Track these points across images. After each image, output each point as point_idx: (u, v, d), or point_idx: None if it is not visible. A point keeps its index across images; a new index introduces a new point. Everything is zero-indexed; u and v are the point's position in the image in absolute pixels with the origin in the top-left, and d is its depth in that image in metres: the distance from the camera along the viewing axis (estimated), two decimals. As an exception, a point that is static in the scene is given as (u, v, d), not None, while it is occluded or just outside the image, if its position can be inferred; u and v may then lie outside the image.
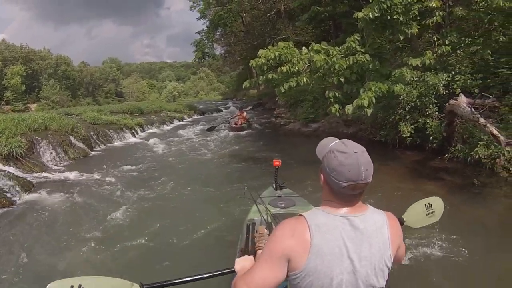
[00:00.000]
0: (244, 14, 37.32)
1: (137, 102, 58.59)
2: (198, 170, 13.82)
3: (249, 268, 2.47)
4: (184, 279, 3.47)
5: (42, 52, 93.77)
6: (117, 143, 21.71)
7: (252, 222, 4.82)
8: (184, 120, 35.14)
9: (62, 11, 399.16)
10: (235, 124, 24.66)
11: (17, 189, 11.05)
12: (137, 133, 25.17)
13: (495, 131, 9.44)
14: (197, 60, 47.24)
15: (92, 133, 20.29)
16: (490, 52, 12.67)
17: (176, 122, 33.03)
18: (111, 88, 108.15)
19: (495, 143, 9.66)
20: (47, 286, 2.80)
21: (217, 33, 43.24)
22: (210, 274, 3.32)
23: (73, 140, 17.83)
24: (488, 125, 9.67)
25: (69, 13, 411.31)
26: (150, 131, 26.96)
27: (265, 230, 3.70)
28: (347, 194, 2.14)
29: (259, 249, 3.45)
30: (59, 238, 7.82)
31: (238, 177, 12.25)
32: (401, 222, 3.43)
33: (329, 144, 2.24)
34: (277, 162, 6.52)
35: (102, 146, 20.21)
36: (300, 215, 2.21)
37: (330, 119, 19.01)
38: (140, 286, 3.43)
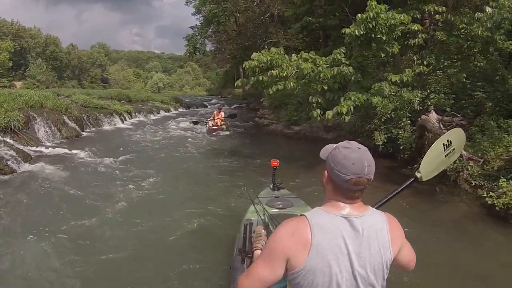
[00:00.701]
0: (238, 15, 37.94)
1: (123, 89, 58.00)
2: (187, 165, 13.82)
3: None
4: None
5: (32, 30, 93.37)
6: (106, 127, 22.60)
7: (249, 222, 4.73)
8: (170, 112, 35.71)
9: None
10: (213, 125, 22.59)
11: (18, 159, 11.97)
12: (125, 119, 25.92)
13: None
14: (188, 54, 48.18)
15: (84, 115, 21.05)
16: (465, 76, 13.59)
17: (162, 113, 33.67)
18: (97, 73, 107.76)
19: (460, 158, 10.38)
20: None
21: (210, 30, 43.97)
22: None
23: (67, 120, 18.66)
24: None
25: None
26: (137, 118, 27.63)
27: (263, 231, 3.87)
28: (349, 190, 2.22)
29: (256, 249, 3.65)
30: (55, 204, 8.70)
31: (223, 173, 12.47)
32: (416, 179, 3.64)
33: (333, 145, 2.37)
34: (275, 163, 6.50)
35: (93, 128, 21.04)
36: (302, 214, 2.31)
37: (311, 124, 19.71)
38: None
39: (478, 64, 14.43)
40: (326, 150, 2.38)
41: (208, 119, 23.98)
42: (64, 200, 8.93)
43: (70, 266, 6.15)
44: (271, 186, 6.68)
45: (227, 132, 22.29)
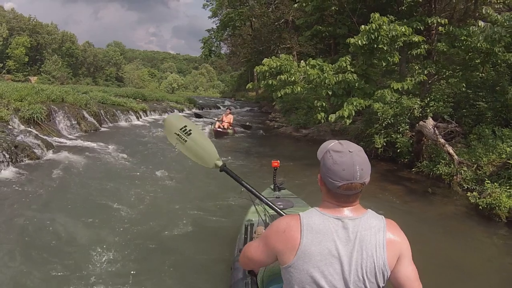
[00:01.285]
0: (254, 19, 38.78)
1: (137, 88, 58.61)
2: (193, 164, 14.07)
3: None
4: (248, 187, 4.31)
5: (49, 27, 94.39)
6: (122, 123, 23.57)
7: (250, 222, 4.99)
8: (183, 112, 36.37)
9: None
10: (219, 127, 20.85)
11: (43, 147, 12.98)
12: (141, 117, 26.90)
13: (451, 151, 11.43)
14: (203, 56, 49.02)
15: (102, 111, 22.05)
16: (464, 85, 14.37)
17: (176, 113, 33.60)
18: (112, 71, 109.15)
19: (458, 165, 11.29)
20: (167, 117, 4.31)
21: (225, 33, 44.77)
22: None
23: (86, 115, 19.66)
24: (446, 145, 11.66)
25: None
26: (152, 116, 28.56)
27: (264, 231, 3.71)
28: (342, 195, 2.19)
29: None
30: (73, 189, 9.62)
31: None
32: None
33: (328, 146, 2.33)
34: (275, 163, 6.46)
35: (110, 124, 22.02)
36: (298, 214, 2.31)
37: (319, 128, 20.77)
38: (222, 164, 4.33)
39: (480, 74, 15.02)
40: (321, 151, 2.37)
41: (216, 119, 22.23)
42: (80, 187, 9.80)
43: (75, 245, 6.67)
44: (272, 187, 6.71)
45: (234, 136, 21.11)
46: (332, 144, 2.28)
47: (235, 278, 4.25)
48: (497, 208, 8.93)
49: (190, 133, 4.50)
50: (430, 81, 15.65)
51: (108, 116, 22.64)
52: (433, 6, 15.77)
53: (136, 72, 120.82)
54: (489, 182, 9.72)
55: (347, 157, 2.16)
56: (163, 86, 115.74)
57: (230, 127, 21.48)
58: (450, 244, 7.60)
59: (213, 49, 46.99)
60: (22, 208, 8.10)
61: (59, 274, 5.77)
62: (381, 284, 2.22)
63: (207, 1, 44.47)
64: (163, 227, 7.74)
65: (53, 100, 18.23)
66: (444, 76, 15.70)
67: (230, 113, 22.41)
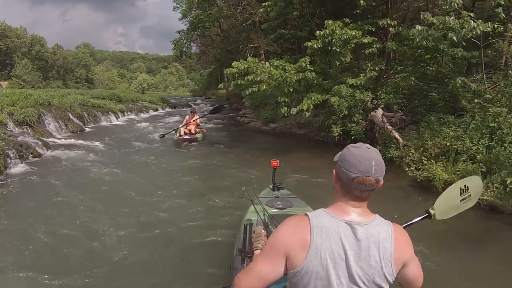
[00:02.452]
0: (222, 21, 40.04)
1: (107, 90, 58.89)
2: (185, 161, 15.06)
3: None
4: None
5: (18, 30, 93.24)
6: (104, 123, 25.25)
7: (249, 222, 4.81)
8: (158, 111, 38.29)
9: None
10: (185, 133, 18.59)
11: (42, 146, 14.79)
12: (119, 117, 28.50)
13: (397, 135, 13.61)
14: (175, 57, 50.58)
15: (84, 113, 23.74)
16: (413, 79, 15.99)
17: (151, 112, 36.28)
18: (82, 73, 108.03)
19: (403, 147, 13.26)
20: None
21: (195, 33, 46.05)
22: None
23: (71, 116, 21.46)
24: (393, 131, 13.87)
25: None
26: (130, 116, 30.10)
27: (263, 231, 4.01)
28: (355, 189, 2.21)
29: (256, 250, 3.78)
30: (76, 181, 11.27)
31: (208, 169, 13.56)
32: (429, 216, 3.63)
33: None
34: (275, 163, 6.53)
35: (92, 124, 23.71)
36: (305, 214, 2.28)
37: (286, 121, 22.50)
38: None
39: (431, 68, 16.74)
40: (339, 153, 2.40)
41: (180, 126, 19.33)
42: (81, 178, 11.53)
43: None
44: (271, 186, 6.82)
45: (202, 141, 18.83)
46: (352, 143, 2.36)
47: (234, 277, 3.66)
48: (433, 180, 10.83)
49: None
50: (385, 76, 17.66)
51: (90, 118, 24.26)
52: (389, 7, 17.26)
53: (106, 73, 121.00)
54: (426, 160, 11.73)
55: (364, 151, 2.24)
56: (133, 87, 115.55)
57: (198, 130, 19.20)
58: (393, 208, 8.71)
59: (184, 49, 48.44)
60: (35, 196, 9.80)
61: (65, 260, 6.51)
62: None
63: (177, 4, 45.99)
64: (162, 227, 7.99)
65: (41, 104, 19.87)
66: (396, 71, 17.85)
67: (195, 113, 19.47)
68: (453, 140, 11.84)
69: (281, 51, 28.42)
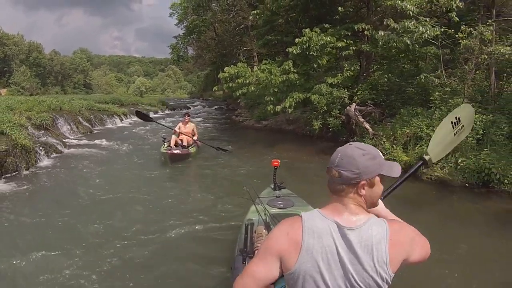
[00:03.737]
0: (217, 25, 42.09)
1: (105, 94, 61.85)
2: (195, 162, 15.63)
3: None
4: None
5: (15, 37, 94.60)
6: (109, 126, 27.87)
7: (250, 222, 4.83)
8: (158, 113, 40.83)
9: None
10: (176, 145, 15.51)
11: (61, 145, 17.27)
12: (123, 120, 31.10)
13: (367, 126, 16.22)
14: (172, 61, 52.61)
15: (92, 116, 26.30)
16: (387, 76, 18.33)
17: (152, 114, 37.85)
18: (80, 79, 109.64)
19: (375, 137, 15.56)
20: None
21: (191, 38, 48.01)
22: None
23: (81, 120, 24.02)
24: (364, 123, 16.48)
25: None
26: (133, 119, 32.12)
27: (264, 231, 4.13)
28: (328, 181, 2.27)
29: (257, 249, 3.87)
30: (92, 172, 13.26)
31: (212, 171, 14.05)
32: (425, 163, 3.57)
33: None
34: (275, 162, 6.55)
35: (100, 127, 26.31)
36: (300, 215, 2.27)
37: (276, 118, 25.18)
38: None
39: (405, 67, 18.76)
40: None
41: (172, 134, 16.21)
42: (94, 170, 13.56)
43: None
44: (272, 186, 6.83)
45: (194, 152, 15.87)
46: None
47: (235, 277, 3.35)
48: (396, 162, 13.16)
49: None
50: (365, 74, 19.89)
51: (97, 120, 26.76)
52: (370, 11, 19.48)
53: (104, 78, 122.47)
54: (395, 146, 13.99)
55: (343, 147, 2.27)
56: (131, 90, 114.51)
57: (192, 142, 16.02)
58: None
59: (181, 54, 50.38)
60: (61, 184, 12.03)
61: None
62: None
63: (173, 10, 47.57)
64: (162, 226, 8.15)
65: (53, 109, 22.26)
66: (373, 70, 20.16)
67: (189, 121, 16.45)
68: (418, 129, 13.82)
69: (273, 53, 29.97)
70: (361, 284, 2.14)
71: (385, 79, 18.67)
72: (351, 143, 2.30)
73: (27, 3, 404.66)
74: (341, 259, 2.13)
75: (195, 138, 16.43)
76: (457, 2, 14.01)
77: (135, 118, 32.54)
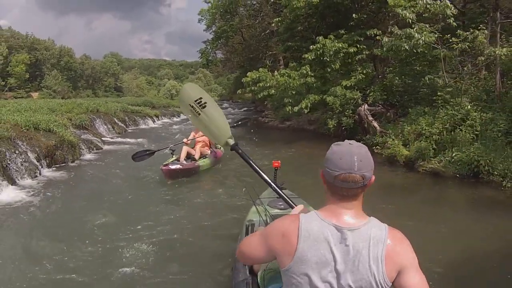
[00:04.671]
0: (244, 30, 43.54)
1: (136, 97, 63.85)
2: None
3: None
4: (258, 169, 4.49)
5: (46, 42, 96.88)
6: (142, 126, 30.40)
7: (251, 223, 5.03)
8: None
9: (62, 0, 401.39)
10: (187, 158, 13.43)
11: (100, 142, 19.58)
12: (155, 121, 33.58)
13: (375, 124, 18.05)
14: (202, 65, 54.34)
15: (126, 118, 28.74)
16: (397, 78, 19.79)
17: (182, 116, 40.35)
18: (111, 82, 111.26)
19: (386, 135, 16.88)
20: (184, 85, 4.66)
21: (220, 42, 49.48)
22: None
23: (116, 121, 26.47)
24: (372, 121, 18.35)
25: (69, 3, 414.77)
26: (164, 120, 35.17)
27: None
28: (340, 188, 2.22)
29: None
30: (127, 166, 14.17)
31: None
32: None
33: None
34: (276, 163, 6.47)
35: (133, 127, 28.80)
36: (298, 215, 2.34)
37: (299, 119, 27.22)
38: (234, 143, 4.67)
39: (417, 68, 19.13)
40: None
41: (182, 141, 14.39)
42: (129, 164, 13.95)
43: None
44: None
45: (209, 168, 13.85)
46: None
47: (236, 278, 4.31)
48: (397, 156, 14.63)
49: (205, 106, 4.47)
50: (380, 76, 21.49)
51: (131, 121, 29.26)
52: (381, 18, 21.32)
53: (134, 81, 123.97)
54: (391, 141, 15.58)
55: (346, 147, 2.24)
56: (162, 93, 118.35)
57: (208, 151, 14.16)
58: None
59: (210, 58, 52.05)
60: (101, 175, 13.66)
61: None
62: None
63: (201, 16, 49.43)
64: (163, 227, 8.23)
65: (91, 111, 24.52)
66: (386, 72, 21.61)
67: None
68: (419, 126, 15.10)
69: (299, 56, 30.95)
70: (355, 286, 2.19)
71: (397, 81, 20.03)
72: (351, 142, 2.30)
73: (57, 9, 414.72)
74: (336, 263, 2.18)
75: (215, 148, 14.69)
76: (451, 9, 15.46)
77: (166, 119, 35.40)
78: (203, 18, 48.63)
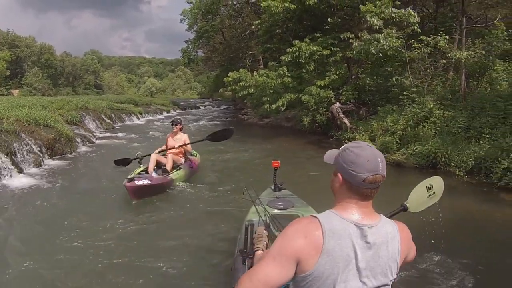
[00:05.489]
0: (225, 30, 44.45)
1: (117, 95, 65.14)
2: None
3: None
4: None
5: (27, 39, 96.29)
6: (128, 123, 31.98)
7: (251, 223, 4.89)
8: (170, 113, 45.06)
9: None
10: (156, 168, 11.23)
11: (92, 137, 21.22)
12: (139, 118, 35.21)
13: (346, 121, 19.80)
14: (183, 64, 55.44)
15: (112, 115, 30.32)
16: (369, 79, 21.43)
17: (164, 113, 43.08)
18: (91, 80, 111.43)
19: (356, 131, 18.59)
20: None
21: (201, 42, 51.14)
22: None
23: (104, 117, 28.04)
24: (343, 118, 20.08)
25: (49, 1, 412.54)
26: (148, 117, 36.71)
27: (264, 231, 4.10)
28: (366, 189, 2.24)
29: (257, 250, 3.86)
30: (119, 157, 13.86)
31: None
32: (405, 209, 4.09)
33: (341, 147, 2.40)
34: (276, 163, 6.55)
35: (119, 123, 30.40)
36: (313, 216, 2.28)
37: (277, 116, 28.81)
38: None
39: (388, 69, 21.07)
40: (331, 154, 2.46)
41: (156, 152, 11.88)
42: (120, 155, 14.22)
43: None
44: (272, 187, 6.84)
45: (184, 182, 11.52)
46: (346, 144, 2.39)
47: (236, 278, 4.22)
48: None
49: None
50: (353, 76, 22.94)
51: (117, 118, 30.84)
52: (355, 22, 22.64)
53: (114, 79, 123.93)
54: (360, 136, 17.21)
55: (369, 150, 2.26)
56: (142, 91, 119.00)
57: (182, 160, 12.11)
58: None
59: (191, 57, 53.58)
60: (97, 164, 15.40)
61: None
62: (391, 283, 2.36)
63: (184, 16, 50.36)
64: (163, 227, 8.26)
65: (80, 108, 26.00)
66: (359, 73, 23.16)
67: (181, 128, 12.37)
68: (389, 123, 16.66)
69: (277, 57, 30.98)
70: (374, 281, 2.26)
71: (369, 81, 21.64)
72: (369, 144, 2.32)
73: (37, 6, 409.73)
74: (357, 260, 2.20)
75: (191, 156, 12.92)
76: (415, 18, 17.23)
77: (150, 117, 36.64)
78: (185, 18, 50.00)
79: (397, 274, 2.36)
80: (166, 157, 11.59)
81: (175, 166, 11.62)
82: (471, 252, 7.17)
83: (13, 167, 12.83)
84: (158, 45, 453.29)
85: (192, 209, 9.54)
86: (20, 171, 13.09)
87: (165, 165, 11.36)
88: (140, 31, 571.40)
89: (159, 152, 12.05)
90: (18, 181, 12.20)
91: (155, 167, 11.23)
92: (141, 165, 11.44)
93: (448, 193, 10.04)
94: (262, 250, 3.77)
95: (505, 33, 15.86)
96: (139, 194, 9.81)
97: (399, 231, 2.36)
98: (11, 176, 12.48)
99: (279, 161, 6.69)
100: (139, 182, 9.78)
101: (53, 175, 13.26)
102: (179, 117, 14.51)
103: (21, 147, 14.11)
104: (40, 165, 14.35)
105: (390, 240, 2.29)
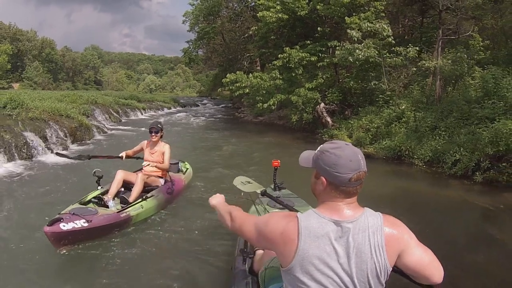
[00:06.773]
0: (225, 33, 46.48)
1: (115, 91, 66.74)
2: (197, 157, 16.21)
3: (221, 202, 3.40)
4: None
5: (28, 33, 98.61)
6: (133, 117, 34.79)
7: None
8: (171, 109, 47.75)
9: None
10: (121, 189, 8.53)
11: (105, 127, 24.23)
12: (143, 113, 37.97)
13: (328, 119, 22.77)
14: (184, 63, 57.77)
15: (119, 109, 33.17)
16: (353, 82, 23.41)
17: (165, 110, 45.78)
18: (91, 75, 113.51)
19: (337, 129, 21.25)
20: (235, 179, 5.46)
21: (201, 42, 52.83)
22: None
23: (112, 111, 30.93)
24: (327, 117, 23.01)
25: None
26: (151, 113, 39.50)
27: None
28: (352, 188, 2.36)
29: (257, 250, 4.13)
30: (134, 144, 16.77)
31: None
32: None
33: (313, 152, 2.55)
34: (276, 163, 6.53)
35: (125, 118, 33.20)
36: (295, 214, 2.45)
37: (270, 115, 31.56)
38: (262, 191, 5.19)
39: (372, 75, 22.59)
40: (307, 157, 2.59)
41: (119, 156, 9.36)
42: (131, 144, 13.05)
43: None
44: (272, 186, 6.83)
45: (148, 211, 8.36)
46: (323, 145, 2.50)
47: (236, 277, 4.38)
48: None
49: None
50: (340, 80, 25.68)
51: (123, 113, 33.60)
52: (341, 31, 24.73)
53: (114, 75, 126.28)
54: (340, 133, 20.12)
55: (348, 149, 2.38)
56: (141, 88, 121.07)
57: (160, 181, 9.19)
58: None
59: (192, 57, 54.91)
60: (111, 150, 15.47)
61: None
62: (383, 281, 2.41)
63: (186, 18, 51.95)
64: (163, 227, 8.09)
65: (90, 102, 28.71)
66: (345, 77, 25.66)
67: (161, 136, 9.43)
68: (365, 122, 19.21)
69: (271, 61, 31.83)
70: (360, 278, 2.34)
71: (354, 85, 23.73)
72: (346, 143, 2.46)
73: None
74: (338, 256, 2.31)
75: (177, 172, 10.45)
76: (388, 31, 19.89)
77: (152, 112, 39.40)
78: (187, 19, 52.04)
79: (391, 271, 2.44)
80: (137, 175, 8.64)
81: (148, 190, 8.71)
82: (421, 223, 8.55)
83: (46, 148, 15.81)
84: (157, 42, 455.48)
85: (192, 209, 9.19)
86: (52, 151, 15.83)
87: (129, 180, 8.63)
88: (140, 27, 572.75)
89: (133, 155, 9.54)
90: (50, 159, 14.94)
91: (122, 188, 8.61)
92: (100, 187, 8.42)
93: (407, 178, 13.88)
94: (262, 250, 4.04)
95: (481, 43, 18.59)
96: (68, 241, 6.57)
97: (384, 225, 2.41)
98: (45, 153, 15.52)
99: (279, 161, 6.46)
100: (67, 226, 6.46)
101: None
102: (160, 122, 9.77)
103: (51, 132, 17.06)
104: (67, 149, 17.14)
105: (372, 233, 2.36)
